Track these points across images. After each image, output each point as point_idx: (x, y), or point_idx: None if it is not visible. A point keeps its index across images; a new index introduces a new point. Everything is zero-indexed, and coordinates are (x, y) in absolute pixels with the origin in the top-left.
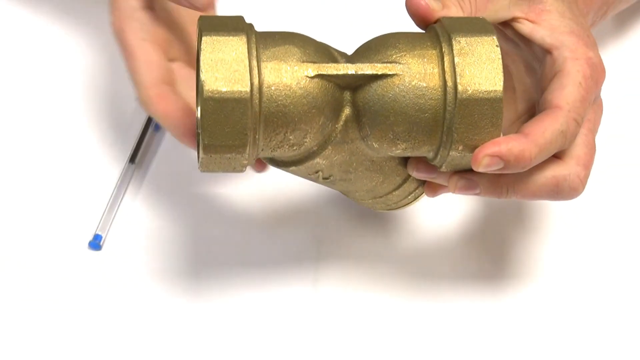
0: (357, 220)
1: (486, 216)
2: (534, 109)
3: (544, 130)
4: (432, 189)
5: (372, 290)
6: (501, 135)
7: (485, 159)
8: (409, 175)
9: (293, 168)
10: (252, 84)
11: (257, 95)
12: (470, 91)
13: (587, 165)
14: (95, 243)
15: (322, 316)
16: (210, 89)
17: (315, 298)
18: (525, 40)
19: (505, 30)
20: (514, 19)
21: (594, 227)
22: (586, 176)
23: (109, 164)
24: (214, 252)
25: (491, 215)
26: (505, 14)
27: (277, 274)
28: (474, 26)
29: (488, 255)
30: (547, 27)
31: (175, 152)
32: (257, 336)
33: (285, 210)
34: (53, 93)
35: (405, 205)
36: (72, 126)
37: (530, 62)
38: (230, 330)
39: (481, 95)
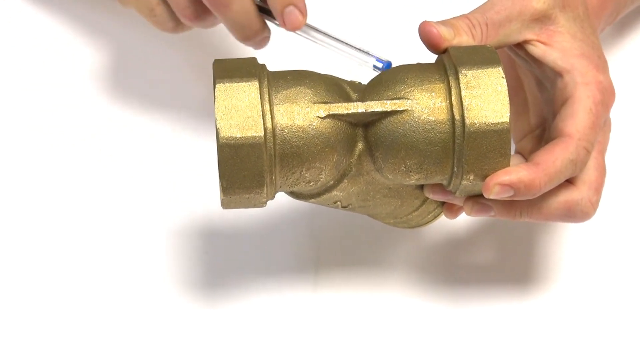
0: (357, 224)
1: (487, 218)
2: (545, 124)
3: (554, 160)
4: (452, 211)
5: (372, 294)
6: (510, 162)
7: (495, 187)
8: (427, 197)
9: (312, 200)
10: (265, 129)
11: (271, 138)
12: (477, 124)
13: (598, 189)
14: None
15: (322, 320)
16: (225, 136)
17: (315, 302)
18: (537, 61)
19: (518, 50)
20: (526, 41)
21: (615, 227)
22: (597, 200)
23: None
24: (213, 256)
25: (492, 219)
26: (516, 37)
27: (277, 278)
28: (480, 57)
29: (489, 257)
30: (558, 49)
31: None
32: (257, 340)
33: (284, 214)
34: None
35: (426, 223)
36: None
37: (541, 80)
38: (230, 334)
39: (488, 127)
